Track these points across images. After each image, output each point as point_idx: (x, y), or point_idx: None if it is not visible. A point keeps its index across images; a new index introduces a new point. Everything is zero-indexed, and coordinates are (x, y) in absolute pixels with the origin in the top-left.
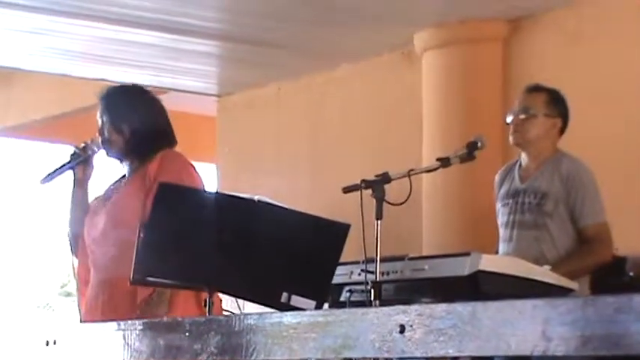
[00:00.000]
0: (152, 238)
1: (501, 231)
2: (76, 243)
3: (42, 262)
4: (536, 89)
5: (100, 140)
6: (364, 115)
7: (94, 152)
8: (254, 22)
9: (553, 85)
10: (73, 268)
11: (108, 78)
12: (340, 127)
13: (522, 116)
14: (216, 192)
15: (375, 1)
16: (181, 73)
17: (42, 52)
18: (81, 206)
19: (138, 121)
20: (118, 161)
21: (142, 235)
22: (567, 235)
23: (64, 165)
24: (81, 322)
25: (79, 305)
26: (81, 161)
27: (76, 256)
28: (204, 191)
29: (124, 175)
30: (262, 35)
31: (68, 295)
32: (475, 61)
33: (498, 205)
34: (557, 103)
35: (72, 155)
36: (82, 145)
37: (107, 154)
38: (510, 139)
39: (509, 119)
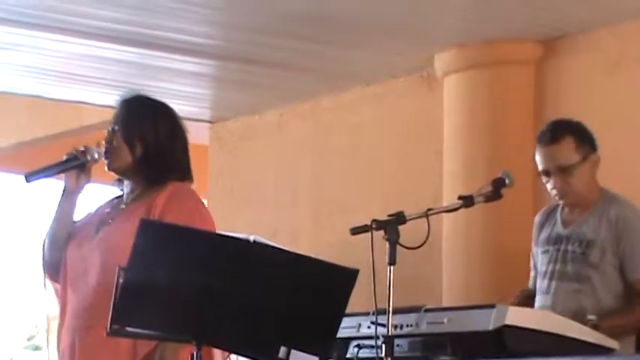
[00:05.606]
0: (133, 283)
1: (538, 281)
2: (55, 268)
3: (6, 312)
4: (556, 138)
5: (103, 149)
6: (376, 146)
7: (93, 159)
8: (252, 38)
9: (592, 116)
10: (54, 292)
11: (84, 100)
12: (349, 160)
13: (561, 175)
14: (207, 231)
15: (389, 17)
16: (168, 96)
17: (8, 71)
18: (64, 223)
19: (155, 144)
20: (118, 178)
21: (121, 279)
22: (612, 289)
23: (56, 164)
24: None
25: (57, 343)
26: (76, 165)
27: (57, 282)
28: (193, 230)
29: (121, 196)
30: (261, 54)
31: (36, 348)
32: (503, 87)
33: (537, 251)
34: (585, 139)
35: (67, 157)
36: (82, 148)
37: (108, 166)
38: (561, 203)
39: (544, 180)
